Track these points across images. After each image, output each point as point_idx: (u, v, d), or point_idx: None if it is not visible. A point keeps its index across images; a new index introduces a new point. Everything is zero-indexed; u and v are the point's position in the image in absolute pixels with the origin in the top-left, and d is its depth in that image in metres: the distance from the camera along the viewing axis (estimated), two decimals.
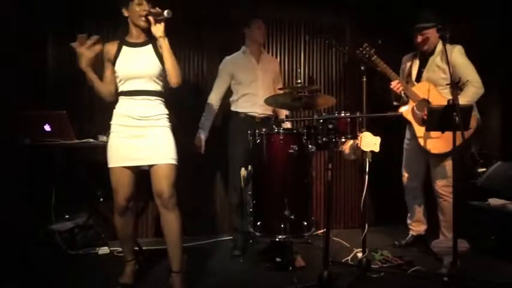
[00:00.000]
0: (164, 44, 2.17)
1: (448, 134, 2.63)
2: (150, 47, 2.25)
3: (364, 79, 2.68)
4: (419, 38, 2.92)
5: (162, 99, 2.30)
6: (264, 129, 2.67)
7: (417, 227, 3.19)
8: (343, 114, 2.49)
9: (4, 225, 2.62)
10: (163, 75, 2.27)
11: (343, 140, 2.49)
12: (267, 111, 3.14)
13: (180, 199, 2.29)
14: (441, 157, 2.86)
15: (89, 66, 2.18)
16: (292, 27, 3.85)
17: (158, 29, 2.15)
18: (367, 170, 2.51)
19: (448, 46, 2.77)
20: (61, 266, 2.76)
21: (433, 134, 2.78)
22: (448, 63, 2.53)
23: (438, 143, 2.79)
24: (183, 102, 3.54)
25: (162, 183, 2.20)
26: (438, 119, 2.35)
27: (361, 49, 2.85)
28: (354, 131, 2.46)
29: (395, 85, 2.91)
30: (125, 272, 2.38)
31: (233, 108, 3.15)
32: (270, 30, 3.74)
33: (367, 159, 2.49)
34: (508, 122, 3.71)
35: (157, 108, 2.25)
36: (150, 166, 2.24)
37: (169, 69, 2.20)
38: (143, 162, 2.22)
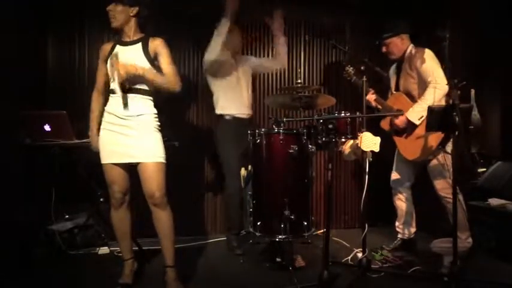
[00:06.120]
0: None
1: (420, 140, 2.72)
2: (139, 45, 2.23)
3: (364, 79, 2.68)
4: (383, 48, 2.99)
5: (151, 97, 2.26)
6: (263, 129, 2.67)
7: (404, 229, 3.09)
8: (343, 114, 2.49)
9: (4, 225, 2.62)
10: None
11: (343, 140, 2.48)
12: None
13: (179, 199, 2.29)
14: (426, 162, 2.86)
15: None
16: (292, 27, 3.84)
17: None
18: (367, 170, 2.50)
19: (416, 50, 2.85)
20: (61, 266, 2.76)
21: (407, 141, 2.86)
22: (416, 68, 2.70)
23: (413, 149, 2.82)
24: (181, 100, 3.56)
25: (152, 184, 2.19)
26: (438, 119, 2.34)
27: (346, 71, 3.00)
28: (354, 131, 2.45)
29: (370, 96, 2.97)
30: (124, 272, 2.38)
31: None
32: (269, 30, 3.73)
33: (367, 159, 2.48)
34: (508, 122, 3.70)
35: (144, 107, 2.22)
36: (137, 164, 2.22)
37: (168, 75, 2.19)
38: (131, 159, 2.21)
